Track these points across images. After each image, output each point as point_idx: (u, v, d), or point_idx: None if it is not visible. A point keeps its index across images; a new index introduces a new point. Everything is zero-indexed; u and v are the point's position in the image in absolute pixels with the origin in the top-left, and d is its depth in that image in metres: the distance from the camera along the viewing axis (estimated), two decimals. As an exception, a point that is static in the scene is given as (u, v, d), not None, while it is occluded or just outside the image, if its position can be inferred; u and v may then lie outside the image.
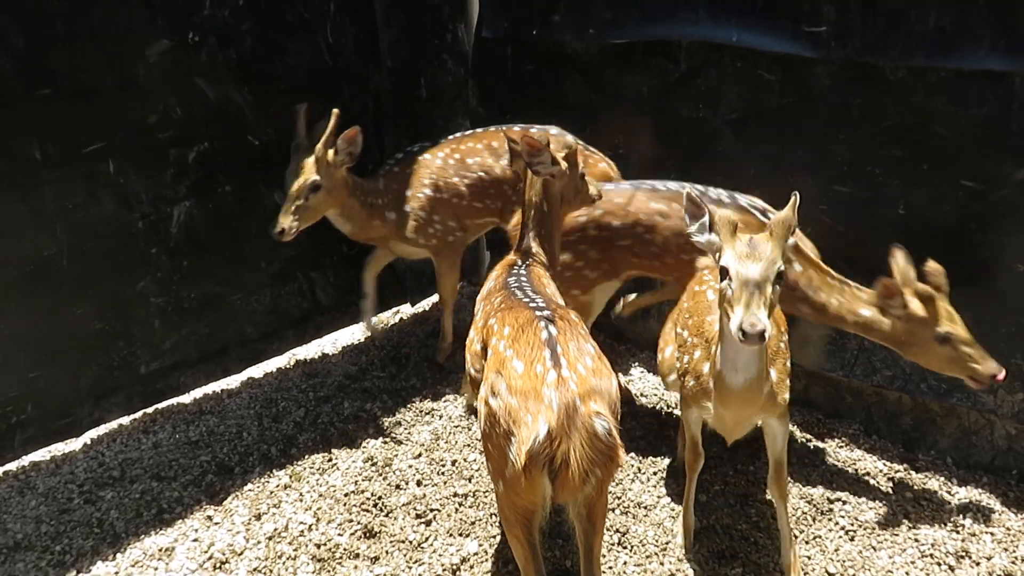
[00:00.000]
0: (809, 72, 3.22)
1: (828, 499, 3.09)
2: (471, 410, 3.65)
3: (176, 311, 3.66)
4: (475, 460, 3.40)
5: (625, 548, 2.91)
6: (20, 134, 3.04)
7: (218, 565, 2.90)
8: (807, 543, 2.91)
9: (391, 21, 4.10)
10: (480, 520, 3.06)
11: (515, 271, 2.76)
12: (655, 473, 3.30)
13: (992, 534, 2.90)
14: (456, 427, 3.65)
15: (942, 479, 3.19)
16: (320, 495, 3.24)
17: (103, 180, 3.29)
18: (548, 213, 2.90)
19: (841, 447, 3.41)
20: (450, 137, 3.96)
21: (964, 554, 2.82)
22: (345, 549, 2.95)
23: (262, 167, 3.68)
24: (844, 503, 3.08)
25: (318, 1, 3.77)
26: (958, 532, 2.92)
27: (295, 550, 2.95)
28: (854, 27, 3.04)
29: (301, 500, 3.22)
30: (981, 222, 2.98)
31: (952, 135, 2.95)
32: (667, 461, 3.36)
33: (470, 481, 3.28)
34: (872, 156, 3.16)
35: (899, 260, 2.88)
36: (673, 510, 3.08)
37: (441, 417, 3.74)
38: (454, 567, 2.84)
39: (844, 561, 2.82)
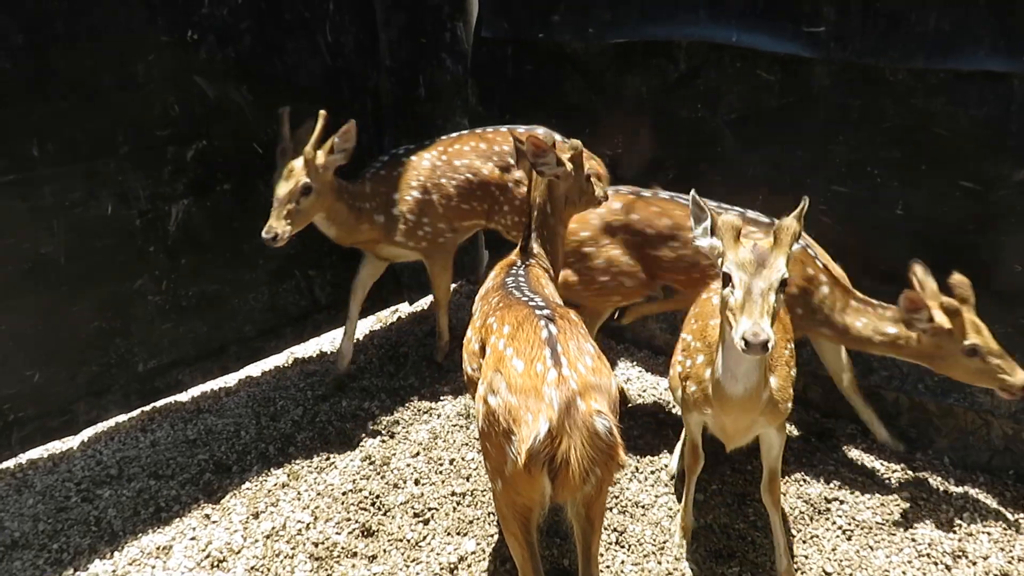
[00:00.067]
0: (809, 73, 3.22)
1: (825, 499, 3.10)
2: None
3: (174, 309, 3.65)
4: (473, 459, 3.40)
5: (623, 547, 2.91)
6: (19, 132, 3.04)
7: (216, 563, 2.90)
8: (804, 543, 2.91)
9: (391, 21, 4.10)
10: (478, 519, 3.06)
11: (513, 271, 2.76)
12: (653, 472, 3.30)
13: (989, 534, 2.91)
14: (454, 426, 3.65)
15: (939, 479, 3.20)
16: (318, 494, 3.24)
17: (101, 178, 3.29)
18: (551, 214, 2.90)
19: (838, 447, 3.41)
20: (437, 139, 3.93)
21: (961, 553, 2.82)
22: (343, 548, 2.94)
23: (261, 166, 3.67)
24: (841, 503, 3.08)
25: (318, 0, 3.77)
26: (955, 532, 2.93)
27: (293, 549, 2.95)
28: (854, 28, 3.04)
29: (299, 499, 3.22)
30: (980, 223, 2.99)
31: (951, 136, 2.96)
32: (665, 460, 3.36)
33: (468, 480, 3.28)
34: (872, 157, 3.17)
35: (919, 274, 2.86)
36: (671, 509, 3.09)
37: (439, 416, 3.74)
38: (452, 566, 2.84)
39: (841, 561, 2.82)
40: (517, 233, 3.80)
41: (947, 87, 2.92)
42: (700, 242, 2.28)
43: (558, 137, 3.50)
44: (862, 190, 3.21)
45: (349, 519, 3.08)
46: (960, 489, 3.14)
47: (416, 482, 3.29)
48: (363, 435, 3.61)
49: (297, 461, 3.45)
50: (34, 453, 3.50)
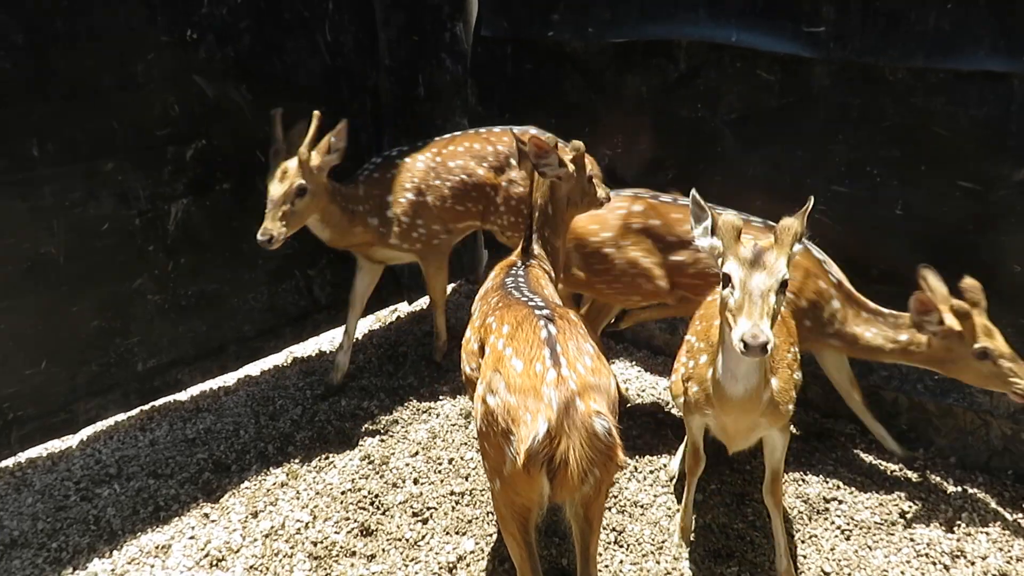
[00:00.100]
0: (809, 72, 3.22)
1: (824, 498, 3.10)
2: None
3: (173, 308, 3.65)
4: (472, 458, 3.40)
5: (621, 546, 2.91)
6: (18, 132, 3.04)
7: (215, 563, 2.90)
8: (803, 542, 2.91)
9: (390, 20, 4.10)
10: (477, 518, 3.06)
11: (513, 271, 2.76)
12: (651, 472, 3.30)
13: (987, 534, 2.91)
14: (453, 425, 3.65)
15: (938, 479, 3.20)
16: (317, 493, 3.24)
17: (101, 178, 3.29)
18: (553, 215, 2.90)
19: (837, 447, 3.41)
20: (431, 140, 3.91)
21: (959, 553, 2.82)
22: (342, 547, 2.94)
23: (260, 165, 3.66)
24: (840, 502, 3.08)
25: (317, -1, 3.77)
26: (953, 532, 2.93)
27: (292, 548, 2.95)
28: (854, 27, 3.04)
29: (298, 498, 3.22)
30: (980, 223, 2.99)
31: (951, 136, 2.96)
32: (663, 460, 3.36)
33: (467, 479, 3.28)
34: (871, 157, 3.16)
35: (930, 279, 2.85)
36: (669, 509, 3.09)
37: (438, 415, 3.74)
38: (450, 565, 2.84)
39: (840, 560, 2.82)
40: (512, 233, 3.81)
41: (947, 87, 2.92)
42: (700, 242, 2.25)
43: (547, 136, 3.49)
44: (862, 190, 3.21)
45: (348, 518, 3.08)
46: (959, 489, 3.14)
47: (415, 481, 3.29)
48: (362, 434, 3.61)
49: (296, 460, 3.45)
50: (33, 452, 3.51)
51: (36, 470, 3.44)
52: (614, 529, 2.97)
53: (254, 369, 4.18)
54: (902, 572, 2.77)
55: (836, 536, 2.94)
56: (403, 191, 3.73)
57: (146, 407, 3.81)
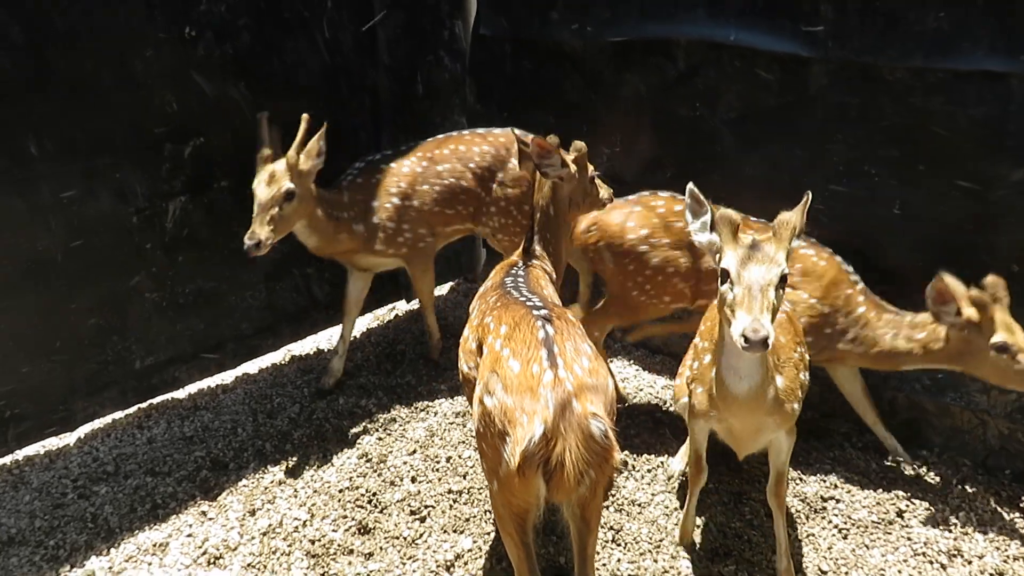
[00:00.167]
0: (807, 72, 3.21)
1: (822, 497, 3.10)
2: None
3: (171, 306, 3.65)
4: (470, 457, 3.40)
5: (619, 545, 2.92)
6: (17, 129, 3.03)
7: (212, 560, 2.90)
8: (800, 541, 2.92)
9: (389, 19, 4.09)
10: (474, 517, 3.06)
11: (513, 272, 2.76)
12: (649, 471, 3.30)
13: (984, 533, 2.91)
14: (451, 423, 3.66)
15: (935, 478, 3.20)
16: (314, 491, 3.24)
17: (99, 175, 3.28)
18: (555, 216, 2.90)
19: (835, 446, 3.42)
20: (417, 143, 3.86)
21: (956, 552, 2.83)
22: (339, 545, 2.95)
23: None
24: (838, 501, 3.09)
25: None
26: (950, 531, 2.93)
27: (289, 546, 2.95)
28: (852, 27, 3.04)
29: (295, 496, 3.22)
30: (978, 222, 2.99)
31: (950, 135, 2.95)
32: (662, 459, 3.36)
33: (464, 478, 3.29)
34: (870, 156, 3.16)
35: (947, 280, 2.78)
36: (667, 508, 3.09)
37: (436, 413, 3.74)
38: (448, 563, 2.85)
39: (837, 559, 2.83)
40: (503, 236, 3.80)
41: (946, 86, 2.92)
42: (698, 237, 2.24)
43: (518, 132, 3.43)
44: (860, 189, 3.21)
45: (346, 516, 3.09)
46: (956, 488, 3.14)
47: (413, 480, 3.29)
48: (360, 432, 3.61)
49: (294, 458, 3.45)
50: (31, 450, 3.50)
51: (34, 468, 3.44)
52: (612, 527, 2.98)
53: (252, 367, 4.17)
54: (899, 571, 2.77)
55: (833, 535, 2.94)
56: (388, 196, 3.69)
57: (144, 405, 3.80)
